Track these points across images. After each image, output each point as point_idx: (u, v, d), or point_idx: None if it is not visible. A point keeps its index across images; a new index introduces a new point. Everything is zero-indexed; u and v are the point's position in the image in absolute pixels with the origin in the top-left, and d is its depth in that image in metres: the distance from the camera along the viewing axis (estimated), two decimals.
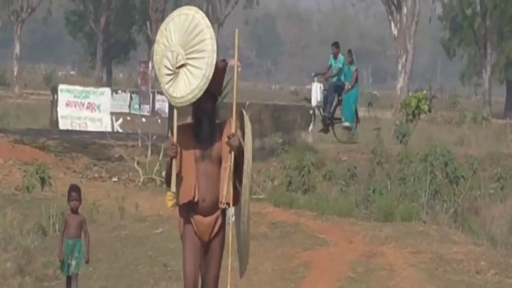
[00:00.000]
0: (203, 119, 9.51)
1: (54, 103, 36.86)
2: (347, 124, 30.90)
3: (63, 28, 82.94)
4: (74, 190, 14.47)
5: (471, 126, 44.48)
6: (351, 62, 31.50)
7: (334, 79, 31.16)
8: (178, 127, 9.54)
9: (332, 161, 30.01)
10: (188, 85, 9.21)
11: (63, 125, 35.25)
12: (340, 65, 31.02)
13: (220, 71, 9.35)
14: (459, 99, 59.80)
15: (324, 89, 30.94)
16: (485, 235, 22.02)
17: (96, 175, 26.38)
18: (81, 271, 14.29)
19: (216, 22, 71.86)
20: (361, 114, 40.68)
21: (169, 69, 9.29)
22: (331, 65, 31.40)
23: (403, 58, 54.11)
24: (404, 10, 55.94)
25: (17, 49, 67.71)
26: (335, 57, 31.23)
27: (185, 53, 9.24)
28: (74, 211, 14.22)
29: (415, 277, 16.76)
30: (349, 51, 32.70)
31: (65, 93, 37.04)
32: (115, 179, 26.26)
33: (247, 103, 31.52)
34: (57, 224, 20.42)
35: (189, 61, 9.24)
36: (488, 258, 18.77)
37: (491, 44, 66.10)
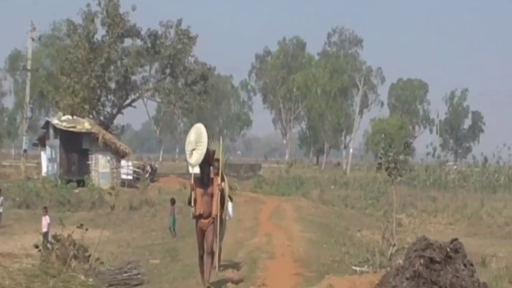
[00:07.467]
0: (204, 175, 7.27)
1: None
2: None
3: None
4: (172, 199, 13.33)
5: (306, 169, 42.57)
6: None
7: None
8: (195, 178, 7.26)
9: (267, 179, 29.26)
10: (196, 156, 7.17)
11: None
12: None
13: (211, 154, 7.32)
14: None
15: None
16: (311, 198, 21.76)
17: None
18: (177, 227, 12.97)
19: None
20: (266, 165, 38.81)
21: (189, 151, 7.25)
22: None
23: (287, 151, 52.52)
24: (287, 136, 54.96)
25: (160, 155, 54.09)
26: None
27: (195, 143, 7.21)
28: (172, 205, 13.06)
29: (292, 211, 16.45)
30: None
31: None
32: None
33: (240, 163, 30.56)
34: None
35: (196, 147, 7.20)
36: (311, 205, 18.61)
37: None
